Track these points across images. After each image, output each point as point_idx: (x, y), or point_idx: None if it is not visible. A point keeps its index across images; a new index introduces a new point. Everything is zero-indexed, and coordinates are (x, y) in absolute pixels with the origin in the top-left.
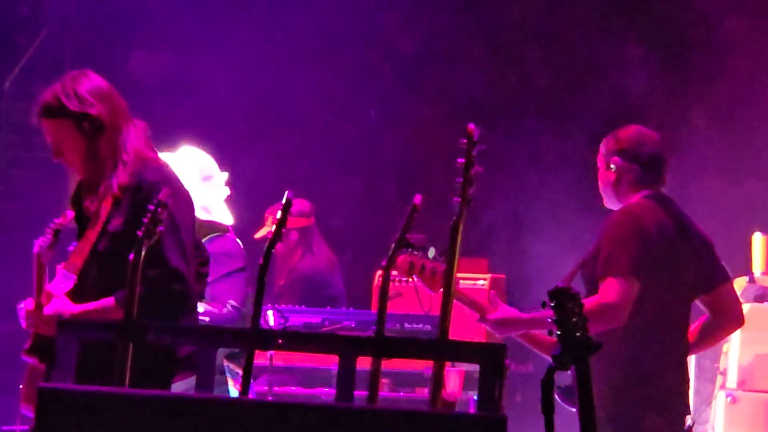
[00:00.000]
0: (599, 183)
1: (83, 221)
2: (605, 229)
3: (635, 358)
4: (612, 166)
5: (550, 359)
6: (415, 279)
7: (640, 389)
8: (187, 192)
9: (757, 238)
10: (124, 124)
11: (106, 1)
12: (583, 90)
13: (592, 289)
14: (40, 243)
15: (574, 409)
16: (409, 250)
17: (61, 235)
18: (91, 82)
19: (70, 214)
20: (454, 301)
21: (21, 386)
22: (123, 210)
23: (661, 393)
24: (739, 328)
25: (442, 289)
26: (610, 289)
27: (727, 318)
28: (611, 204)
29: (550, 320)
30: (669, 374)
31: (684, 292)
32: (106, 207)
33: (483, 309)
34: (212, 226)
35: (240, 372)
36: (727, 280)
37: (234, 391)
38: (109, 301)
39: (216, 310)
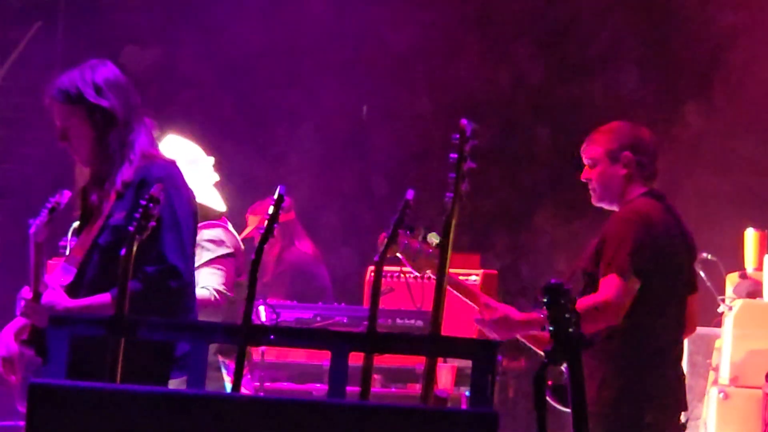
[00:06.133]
0: (599, 180)
1: (87, 215)
2: (612, 226)
3: (633, 357)
4: (624, 160)
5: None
6: (399, 256)
7: (639, 388)
8: (191, 191)
9: (750, 233)
10: (136, 121)
11: None
12: (577, 85)
13: (593, 287)
14: (36, 222)
15: (563, 408)
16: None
17: (56, 213)
18: (109, 74)
19: (67, 193)
20: (448, 293)
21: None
22: (126, 204)
23: (659, 390)
24: (689, 335)
25: (429, 272)
26: (610, 287)
27: (688, 327)
28: (607, 202)
29: (543, 316)
30: (667, 372)
31: (682, 292)
32: (109, 201)
33: (477, 297)
34: (203, 213)
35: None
36: (698, 289)
37: (230, 387)
38: (105, 297)
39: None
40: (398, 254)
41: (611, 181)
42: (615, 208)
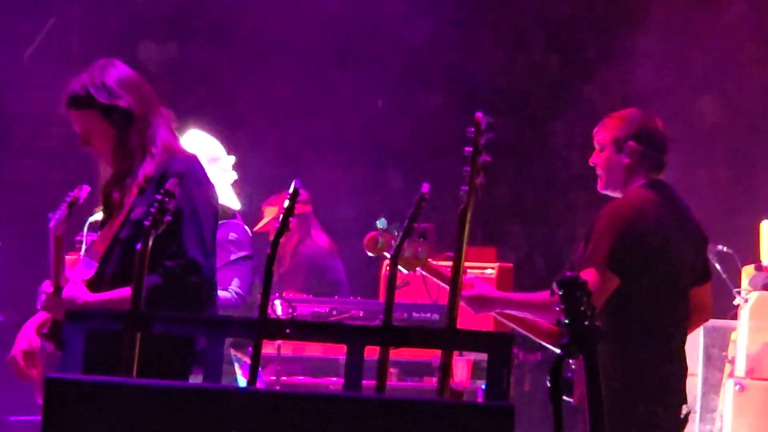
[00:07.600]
0: (604, 166)
1: (109, 210)
2: (598, 219)
3: (628, 351)
4: (627, 149)
5: (553, 348)
6: (387, 256)
7: (637, 384)
8: (212, 185)
9: (765, 226)
10: (153, 114)
11: None
12: (592, 77)
13: None
14: (55, 217)
15: (570, 400)
16: (380, 228)
17: (75, 208)
18: (119, 73)
19: (86, 188)
20: (429, 277)
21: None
22: (147, 199)
23: (658, 385)
24: (703, 323)
25: (418, 269)
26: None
27: (702, 315)
28: (611, 189)
29: (557, 308)
30: (665, 366)
31: (681, 284)
32: (131, 196)
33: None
34: (222, 211)
35: (246, 360)
36: (711, 277)
37: (242, 380)
38: (125, 291)
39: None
40: (386, 254)
41: (614, 169)
42: (618, 195)
